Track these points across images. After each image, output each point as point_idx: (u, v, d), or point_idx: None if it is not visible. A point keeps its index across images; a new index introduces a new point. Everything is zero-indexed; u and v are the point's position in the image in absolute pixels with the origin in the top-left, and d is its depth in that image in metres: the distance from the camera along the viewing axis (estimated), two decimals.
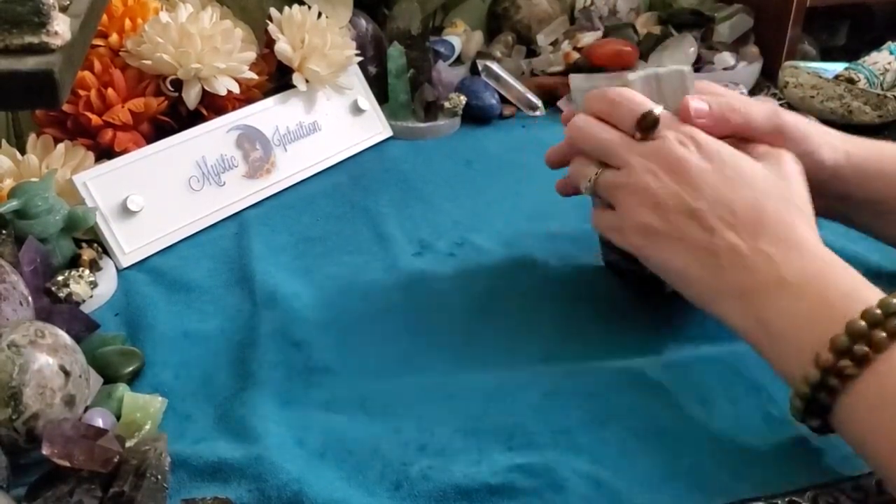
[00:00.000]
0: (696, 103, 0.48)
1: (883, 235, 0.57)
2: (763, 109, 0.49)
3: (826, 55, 1.03)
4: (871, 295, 0.39)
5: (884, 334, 0.37)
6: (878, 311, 0.37)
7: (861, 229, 0.57)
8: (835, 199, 0.53)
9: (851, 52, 0.93)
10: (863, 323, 0.37)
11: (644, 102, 0.48)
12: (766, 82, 0.93)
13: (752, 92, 0.91)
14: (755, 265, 0.43)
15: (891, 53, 0.85)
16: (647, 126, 0.47)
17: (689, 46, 0.92)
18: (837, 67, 0.85)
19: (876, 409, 0.37)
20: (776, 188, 0.45)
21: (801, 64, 0.86)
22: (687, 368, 0.48)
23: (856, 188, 0.53)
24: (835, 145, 0.53)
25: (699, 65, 0.91)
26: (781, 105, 0.86)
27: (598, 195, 0.50)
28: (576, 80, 0.57)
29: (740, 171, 0.46)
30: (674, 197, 0.45)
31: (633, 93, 0.49)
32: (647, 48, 0.93)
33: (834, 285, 0.41)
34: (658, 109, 0.47)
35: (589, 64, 0.91)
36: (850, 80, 0.82)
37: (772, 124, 0.49)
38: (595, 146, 0.50)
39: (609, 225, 0.49)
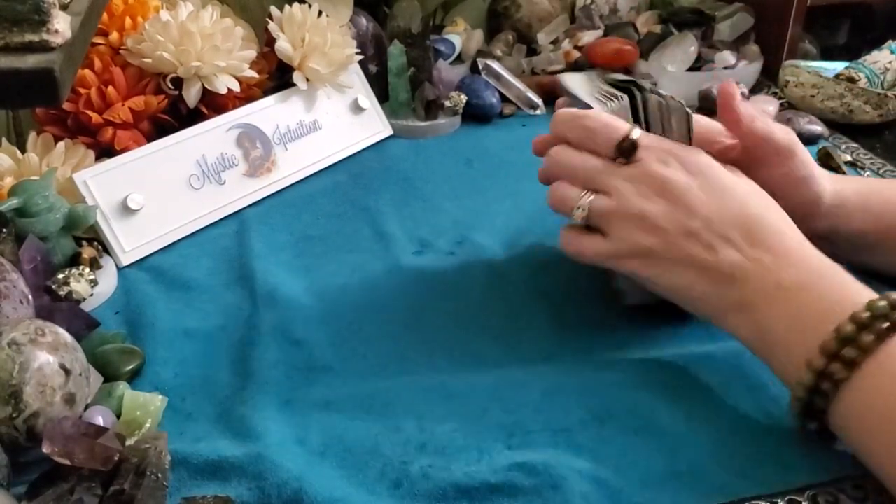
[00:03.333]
0: (745, 108, 0.49)
1: (870, 267, 0.56)
2: (779, 127, 0.51)
3: (827, 54, 1.03)
4: (863, 297, 0.40)
5: (872, 337, 0.37)
6: (867, 314, 0.38)
7: (847, 262, 0.57)
8: (821, 232, 0.53)
9: (852, 51, 0.93)
10: (851, 326, 0.38)
11: (619, 126, 0.48)
12: (767, 81, 0.93)
13: (753, 91, 0.91)
14: (756, 276, 0.43)
15: (891, 52, 0.85)
16: (626, 150, 0.47)
17: (689, 45, 0.92)
18: (838, 66, 0.85)
19: (868, 411, 0.37)
20: (757, 195, 0.46)
21: (802, 63, 0.86)
22: (687, 367, 0.48)
23: (843, 222, 0.54)
24: (829, 179, 0.54)
25: (699, 63, 0.91)
26: (782, 104, 0.86)
27: (590, 223, 0.49)
28: (569, 80, 0.56)
29: (723, 182, 0.46)
30: (670, 219, 0.45)
31: (606, 116, 0.49)
32: (647, 47, 0.92)
33: (826, 289, 0.41)
34: (636, 132, 0.47)
35: (589, 62, 0.91)
36: (851, 80, 0.82)
37: (787, 142, 0.51)
38: (578, 176, 0.49)
39: (604, 252, 0.48)
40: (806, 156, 0.52)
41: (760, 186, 0.49)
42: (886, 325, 0.37)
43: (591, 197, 0.48)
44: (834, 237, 0.54)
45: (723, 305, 0.45)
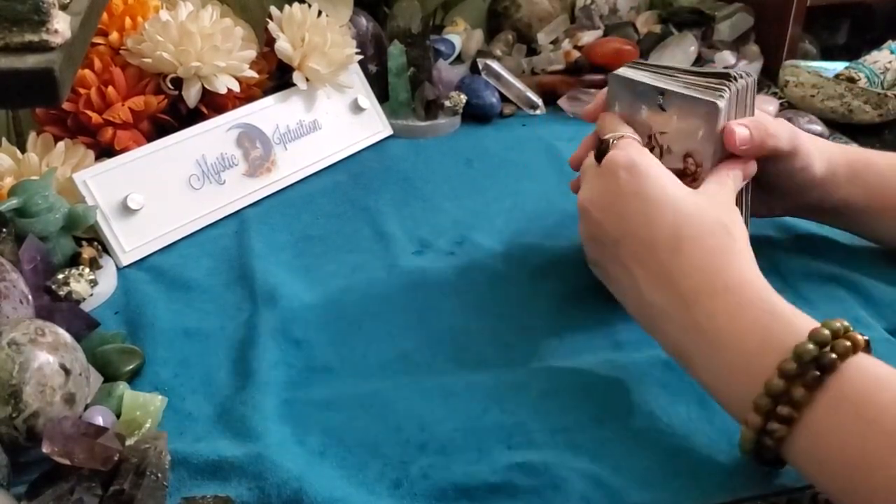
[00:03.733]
0: (740, 130, 0.49)
1: (871, 237, 0.59)
2: (785, 131, 0.51)
3: (826, 54, 1.03)
4: (789, 338, 0.37)
5: (803, 391, 0.35)
6: (794, 365, 0.35)
7: (849, 230, 0.60)
8: (812, 201, 0.56)
9: (852, 51, 0.93)
10: (780, 381, 0.36)
11: (610, 130, 0.51)
12: (767, 81, 0.93)
13: None
14: (669, 305, 0.43)
15: (891, 52, 0.85)
16: (600, 153, 0.49)
17: (689, 45, 0.92)
18: (838, 66, 0.85)
19: (815, 460, 0.36)
20: (701, 214, 0.44)
21: (802, 63, 0.86)
22: None
23: (831, 190, 0.55)
24: (824, 153, 0.55)
25: (699, 63, 0.91)
26: (782, 104, 0.86)
27: None
28: (617, 80, 0.54)
29: (664, 196, 0.45)
30: (600, 229, 0.47)
31: (610, 119, 0.52)
32: (647, 47, 0.93)
33: (748, 332, 0.39)
34: (617, 135, 0.49)
35: (589, 62, 0.91)
36: (851, 79, 0.82)
37: (792, 146, 0.52)
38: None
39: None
40: (805, 147, 0.53)
41: (760, 173, 0.50)
42: (817, 372, 0.35)
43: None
44: (822, 206, 0.55)
45: (648, 323, 0.46)
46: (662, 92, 0.51)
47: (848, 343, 0.35)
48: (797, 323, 0.38)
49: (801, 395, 0.35)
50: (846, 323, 0.36)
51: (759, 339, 0.38)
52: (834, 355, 0.35)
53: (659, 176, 0.46)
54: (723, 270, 0.42)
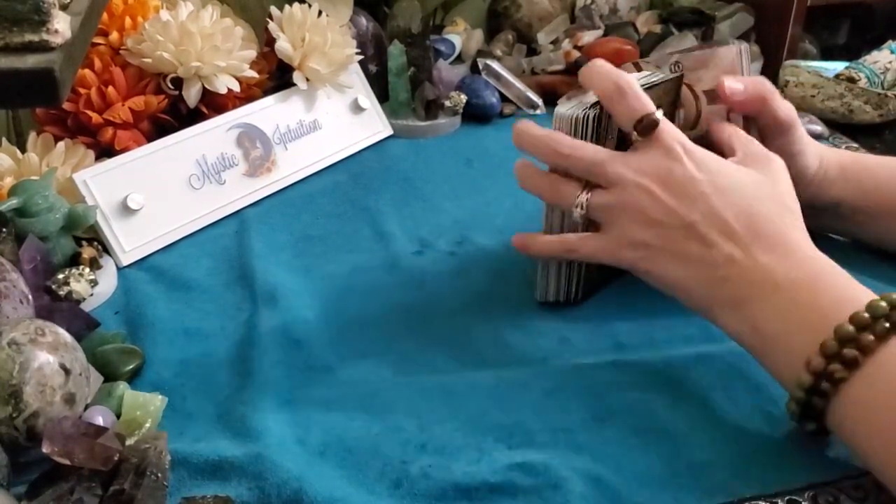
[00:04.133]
0: (730, 83, 0.49)
1: (865, 239, 0.59)
2: (786, 105, 0.52)
3: (827, 54, 1.03)
4: (862, 298, 0.39)
5: (872, 337, 0.37)
6: (866, 315, 0.38)
7: (843, 234, 0.60)
8: (803, 201, 0.54)
9: (852, 51, 0.93)
10: (851, 327, 0.38)
11: (647, 102, 0.47)
12: None
13: None
14: (752, 274, 0.43)
15: (891, 52, 0.85)
16: (644, 128, 0.46)
17: (689, 45, 0.92)
18: (838, 66, 0.85)
19: (868, 411, 0.37)
20: (765, 192, 0.46)
21: (802, 63, 0.86)
22: (687, 367, 0.48)
23: (823, 190, 0.56)
24: (815, 151, 0.55)
25: None
26: None
27: (590, 217, 0.49)
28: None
29: (730, 179, 0.46)
30: (668, 213, 0.45)
31: (640, 89, 0.47)
32: (647, 47, 0.93)
33: (825, 289, 0.41)
34: (659, 113, 0.46)
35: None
36: (851, 80, 0.82)
37: (789, 119, 0.52)
38: (584, 165, 0.48)
39: (600, 247, 0.48)
40: (803, 132, 0.53)
41: None
42: (887, 325, 0.37)
43: (589, 194, 0.48)
44: (815, 205, 0.55)
45: (717, 301, 0.45)
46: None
47: None
48: (868, 291, 0.41)
49: (870, 342, 0.37)
50: None
51: (835, 296, 0.41)
52: None
53: (710, 156, 0.47)
54: (797, 240, 0.44)
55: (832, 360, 0.38)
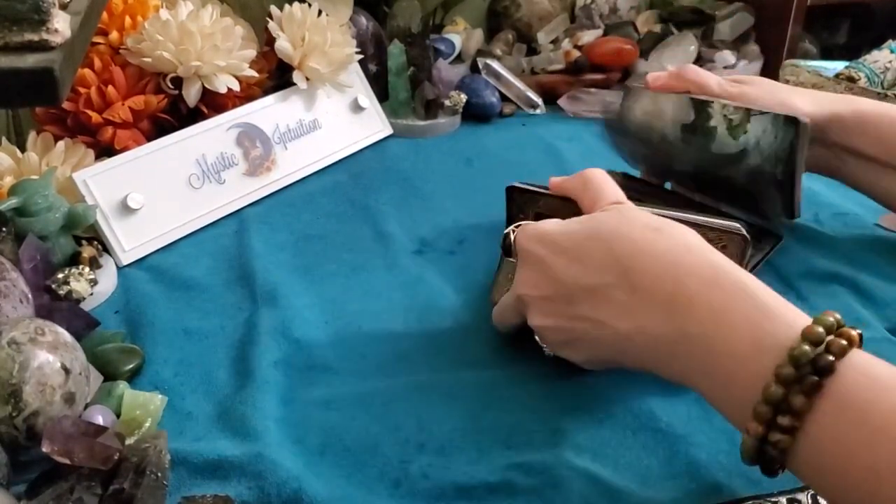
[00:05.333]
0: (652, 74, 0.53)
1: (874, 193, 0.59)
2: (717, 78, 0.55)
3: (827, 53, 1.03)
4: (781, 338, 0.35)
5: (802, 398, 0.33)
6: (790, 370, 0.33)
7: (853, 185, 0.60)
8: (827, 151, 0.56)
9: (852, 51, 0.93)
10: (778, 389, 0.33)
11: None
12: None
13: None
14: (650, 328, 0.39)
15: (891, 52, 0.85)
16: (505, 249, 0.49)
17: (689, 45, 0.92)
18: (838, 66, 0.85)
19: (819, 468, 0.34)
20: (615, 230, 0.42)
21: (802, 62, 0.86)
22: None
23: (849, 141, 0.56)
24: (817, 101, 0.56)
25: (699, 63, 0.91)
26: None
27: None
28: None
29: (574, 244, 0.43)
30: (548, 307, 0.44)
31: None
32: (647, 46, 0.93)
33: (740, 332, 0.36)
34: (513, 227, 0.48)
35: (589, 62, 0.91)
36: (851, 79, 0.82)
37: (733, 87, 0.55)
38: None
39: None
40: (757, 83, 0.56)
41: None
42: (814, 377, 0.33)
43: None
44: (828, 150, 0.56)
45: (638, 361, 0.41)
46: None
47: (843, 341, 0.34)
48: (789, 317, 0.35)
49: (801, 403, 0.33)
50: (838, 316, 0.35)
51: (751, 339, 0.35)
52: (831, 357, 0.33)
53: (560, 230, 0.44)
54: (687, 268, 0.39)
55: (770, 427, 0.34)
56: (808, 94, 0.58)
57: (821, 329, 0.34)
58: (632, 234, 0.41)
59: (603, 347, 0.42)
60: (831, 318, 0.34)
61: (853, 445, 0.32)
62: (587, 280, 0.41)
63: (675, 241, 0.40)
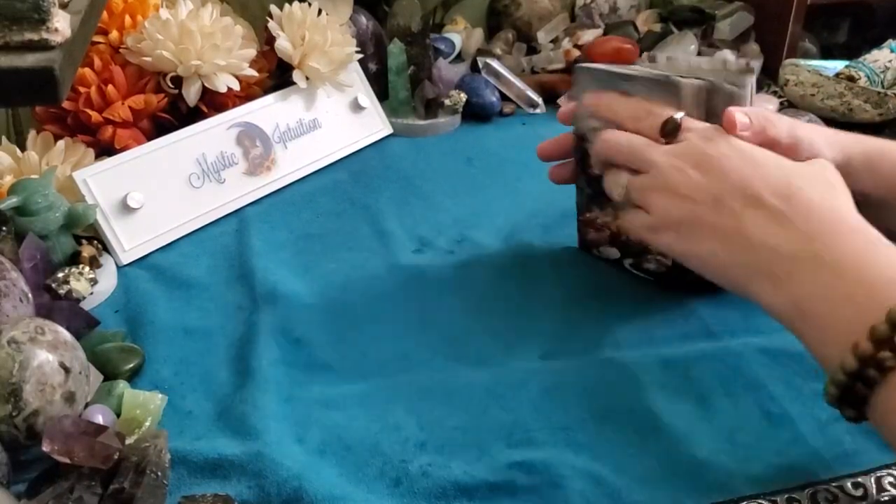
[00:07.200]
0: (739, 116, 0.48)
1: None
2: (784, 124, 0.51)
3: (827, 53, 1.03)
4: None
5: None
6: None
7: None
8: None
9: (852, 50, 0.93)
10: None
11: (661, 111, 0.49)
12: (767, 80, 0.92)
13: None
14: (786, 243, 0.41)
15: (891, 51, 0.85)
16: (669, 131, 0.48)
17: (689, 44, 0.92)
18: (838, 65, 0.85)
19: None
20: (804, 170, 0.45)
21: (802, 62, 0.86)
22: (686, 366, 0.48)
23: (849, 182, 0.54)
24: (835, 145, 0.53)
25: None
26: (782, 103, 0.86)
27: (630, 200, 0.50)
28: (583, 73, 0.56)
29: (763, 155, 0.45)
30: (698, 188, 0.45)
31: (649, 105, 0.50)
32: (647, 45, 0.93)
33: (874, 266, 0.38)
34: (679, 115, 0.48)
35: (589, 61, 0.91)
36: (851, 78, 0.82)
37: (791, 138, 0.51)
38: (623, 155, 0.50)
39: (642, 224, 0.49)
40: (808, 136, 0.52)
41: None
42: None
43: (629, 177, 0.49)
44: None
45: (754, 276, 0.42)
46: (628, 78, 0.51)
47: None
48: None
49: None
50: None
51: (885, 273, 0.37)
52: None
53: (743, 142, 0.46)
54: (840, 213, 0.42)
55: (882, 346, 0.34)
56: (821, 133, 0.55)
57: None
58: (813, 174, 0.45)
59: (718, 241, 0.44)
60: None
61: None
62: (752, 183, 0.43)
63: (847, 198, 0.44)
